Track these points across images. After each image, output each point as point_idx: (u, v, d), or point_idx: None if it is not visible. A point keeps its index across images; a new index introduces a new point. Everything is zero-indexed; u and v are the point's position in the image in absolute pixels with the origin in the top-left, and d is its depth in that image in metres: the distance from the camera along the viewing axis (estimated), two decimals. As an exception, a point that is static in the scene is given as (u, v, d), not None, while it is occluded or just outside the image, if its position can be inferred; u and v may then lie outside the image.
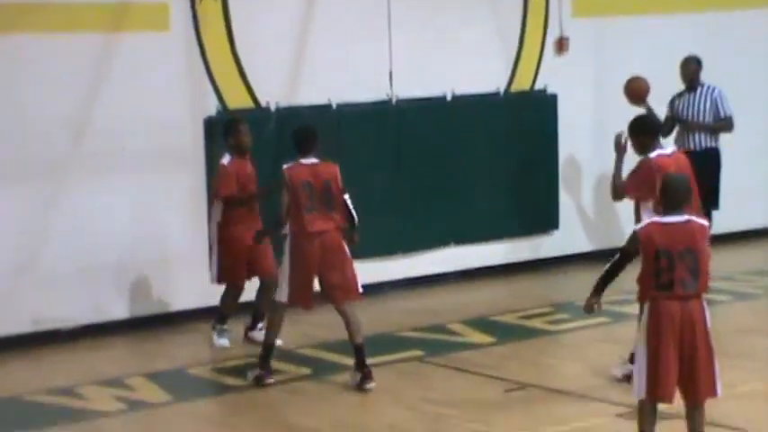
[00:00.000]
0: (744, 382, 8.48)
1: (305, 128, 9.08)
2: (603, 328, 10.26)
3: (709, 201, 11.46)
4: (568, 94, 12.67)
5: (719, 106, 11.82)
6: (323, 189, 8.81)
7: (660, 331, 6.61)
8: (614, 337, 10.05)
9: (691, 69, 11.88)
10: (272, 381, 8.96)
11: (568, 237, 12.85)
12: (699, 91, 11.87)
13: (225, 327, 10.10)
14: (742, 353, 9.23)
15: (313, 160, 8.92)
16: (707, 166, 11.57)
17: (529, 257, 12.68)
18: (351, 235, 9.05)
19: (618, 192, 8.44)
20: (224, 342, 10.05)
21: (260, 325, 9.99)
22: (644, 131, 8.28)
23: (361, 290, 9.07)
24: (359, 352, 8.87)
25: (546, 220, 12.80)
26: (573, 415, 8.09)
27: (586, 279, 10.80)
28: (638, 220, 7.99)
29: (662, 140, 8.55)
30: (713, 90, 11.87)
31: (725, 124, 11.87)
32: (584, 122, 12.79)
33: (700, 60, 11.94)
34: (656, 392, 6.69)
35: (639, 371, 6.73)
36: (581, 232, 12.83)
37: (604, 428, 7.83)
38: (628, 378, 8.36)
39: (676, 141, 11.89)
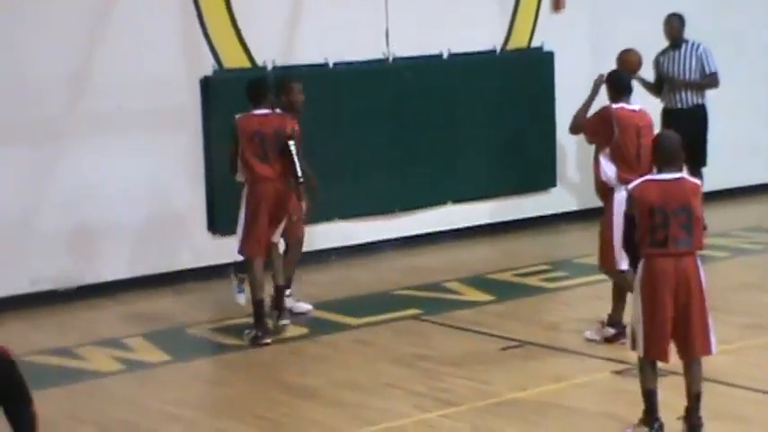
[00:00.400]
0: (740, 338, 8.52)
1: (256, 80, 9.52)
2: (600, 286, 10.23)
3: (698, 158, 11.58)
4: (565, 51, 12.63)
5: (705, 63, 11.80)
6: (274, 138, 9.06)
7: (655, 288, 6.64)
8: (611, 294, 10.07)
9: (674, 27, 11.82)
10: (268, 341, 8.99)
11: (566, 194, 12.85)
12: (683, 48, 11.83)
13: (244, 276, 9.45)
14: (740, 309, 9.27)
15: (264, 111, 9.18)
16: (695, 123, 11.61)
17: (526, 215, 12.68)
18: (296, 189, 9.21)
19: (576, 126, 8.95)
20: (241, 299, 9.55)
21: (288, 291, 9.71)
22: (614, 86, 8.70)
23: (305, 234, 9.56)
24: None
25: (543, 177, 12.79)
26: (570, 372, 8.13)
27: (583, 236, 10.94)
28: (596, 164, 8.57)
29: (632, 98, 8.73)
30: (698, 47, 11.83)
31: (711, 80, 11.84)
32: (581, 79, 12.60)
33: (683, 17, 11.89)
34: (650, 351, 6.72)
35: (635, 329, 6.76)
36: (578, 190, 12.82)
37: (602, 385, 7.88)
38: (608, 340, 8.42)
39: (663, 99, 11.88)
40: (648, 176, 6.87)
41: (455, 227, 12.29)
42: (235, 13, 11.05)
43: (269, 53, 11.20)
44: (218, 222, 10.88)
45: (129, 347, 9.13)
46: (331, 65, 11.52)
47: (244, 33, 11.10)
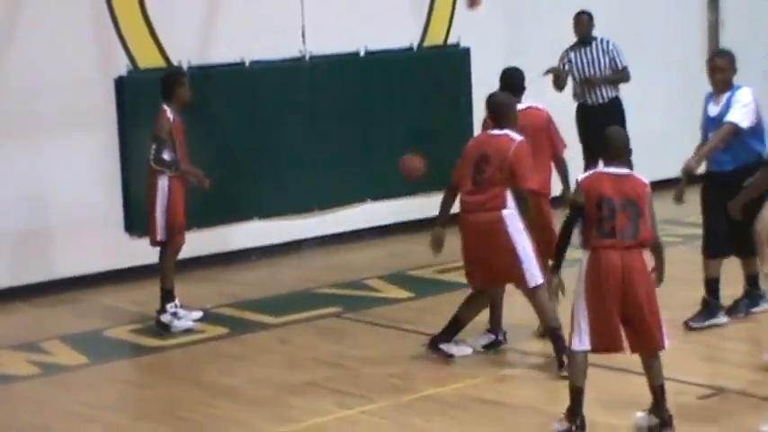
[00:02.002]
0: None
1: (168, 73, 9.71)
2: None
3: None
4: (481, 47, 12.69)
5: (616, 58, 11.94)
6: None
7: (600, 280, 6.65)
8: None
9: (583, 24, 11.93)
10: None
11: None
12: (593, 44, 11.95)
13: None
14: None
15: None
16: (611, 117, 11.68)
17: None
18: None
19: None
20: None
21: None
22: (505, 84, 8.69)
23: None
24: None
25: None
26: (489, 366, 8.17)
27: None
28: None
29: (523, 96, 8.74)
30: (607, 43, 11.95)
31: (623, 75, 11.98)
32: (497, 76, 12.81)
33: (591, 14, 12.01)
34: (601, 343, 6.72)
35: (578, 323, 6.72)
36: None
37: (519, 379, 7.93)
38: (488, 347, 8.41)
39: (575, 96, 11.99)
40: (600, 169, 6.91)
41: (375, 224, 12.30)
42: (149, 12, 10.95)
43: (184, 52, 11.11)
44: (136, 223, 10.77)
45: (46, 351, 9.00)
46: (247, 64, 11.47)
47: (158, 33, 11.00)
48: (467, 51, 12.70)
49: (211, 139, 10.94)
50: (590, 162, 11.52)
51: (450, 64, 12.69)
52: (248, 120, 11.47)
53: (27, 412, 7.77)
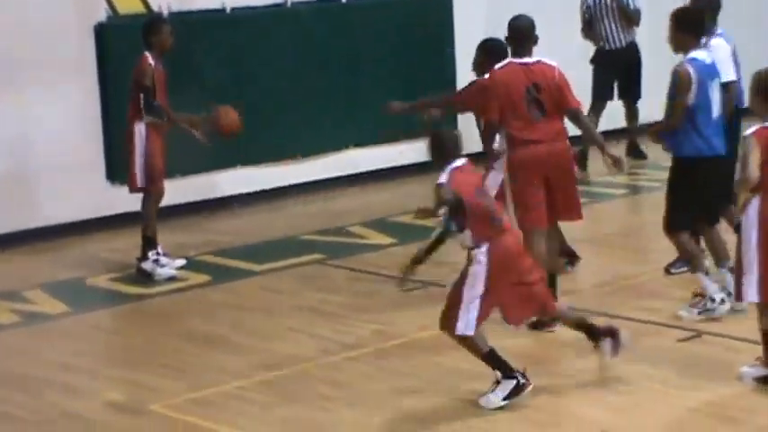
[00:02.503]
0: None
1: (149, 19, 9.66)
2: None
3: (633, 92, 12.35)
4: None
5: (630, 1, 12.10)
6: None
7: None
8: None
9: None
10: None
11: (467, 137, 12.81)
12: None
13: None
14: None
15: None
16: (629, 60, 12.24)
17: (427, 158, 12.65)
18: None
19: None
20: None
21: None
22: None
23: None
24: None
25: (444, 121, 12.75)
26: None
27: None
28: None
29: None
30: None
31: (636, 17, 12.11)
32: (479, 22, 12.74)
33: None
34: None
35: (748, 273, 6.60)
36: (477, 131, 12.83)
37: (498, 321, 7.92)
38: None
39: (596, 40, 12.23)
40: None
41: (357, 171, 12.26)
42: (128, -43, 10.84)
43: (165, -1, 11.01)
44: (117, 171, 10.71)
45: (28, 299, 8.98)
46: (228, 10, 11.37)
47: (138, -22, 10.90)
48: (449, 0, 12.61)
49: (192, 86, 10.85)
50: (595, 109, 11.80)
51: (432, 12, 12.60)
52: (229, 67, 11.39)
53: (8, 361, 7.76)
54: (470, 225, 6.60)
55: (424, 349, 7.49)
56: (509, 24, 7.92)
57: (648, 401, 6.59)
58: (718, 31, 8.41)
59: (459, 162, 6.71)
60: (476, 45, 9.05)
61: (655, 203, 8.80)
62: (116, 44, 10.65)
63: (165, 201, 9.53)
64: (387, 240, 10.18)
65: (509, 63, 7.79)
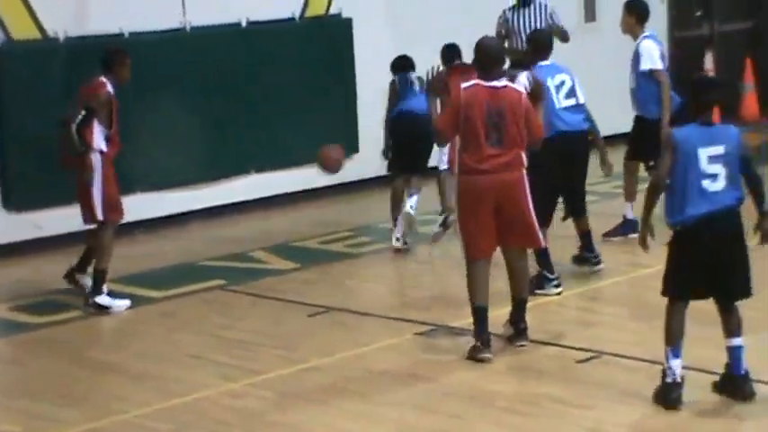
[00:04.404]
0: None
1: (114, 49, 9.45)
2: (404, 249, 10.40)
3: None
4: (362, 18, 12.67)
5: (553, 20, 12.08)
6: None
7: None
8: (416, 258, 10.21)
9: None
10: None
11: (368, 160, 12.91)
12: (532, 6, 12.05)
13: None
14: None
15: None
16: None
17: (329, 182, 12.69)
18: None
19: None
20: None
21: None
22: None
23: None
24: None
25: (346, 144, 12.76)
26: (374, 336, 8.18)
27: (386, 201, 11.00)
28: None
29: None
30: (545, 5, 12.08)
31: (564, 36, 12.13)
32: (380, 46, 12.81)
33: None
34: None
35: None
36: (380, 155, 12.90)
37: (405, 346, 7.96)
38: None
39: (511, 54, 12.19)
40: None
41: (259, 196, 12.23)
42: (22, -18, 10.71)
43: (60, 23, 10.88)
44: (14, 198, 10.55)
45: None
46: (126, 35, 11.28)
47: (32, 3, 10.75)
48: (349, 21, 12.67)
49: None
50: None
51: (332, 34, 12.65)
52: (129, 92, 11.26)
53: None
54: None
55: (328, 374, 7.48)
56: (477, 45, 7.80)
57: (549, 421, 6.66)
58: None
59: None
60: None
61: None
62: (11, 70, 10.50)
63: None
64: (289, 265, 10.15)
65: (475, 84, 7.63)
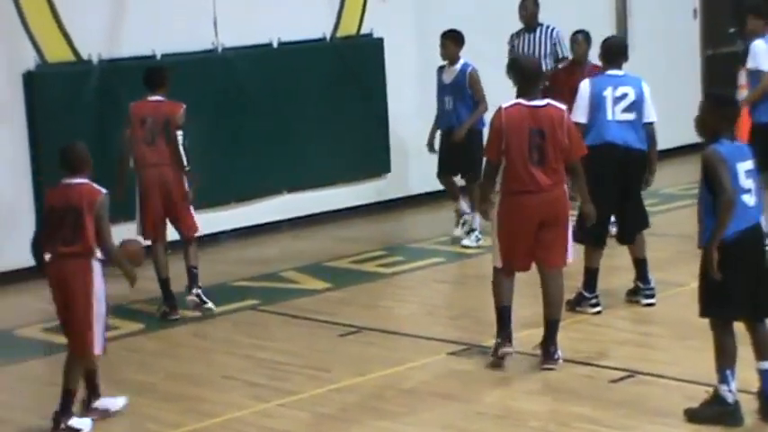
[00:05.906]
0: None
1: (154, 66, 9.77)
2: (437, 269, 10.39)
3: None
4: (393, 37, 12.71)
5: (558, 46, 12.06)
6: (162, 125, 9.17)
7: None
8: (448, 277, 10.20)
9: (529, 10, 12.04)
10: (177, 317, 9.22)
11: (400, 180, 12.94)
12: (538, 31, 12.05)
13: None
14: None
15: (158, 98, 9.27)
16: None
17: (362, 202, 12.72)
18: (181, 173, 9.35)
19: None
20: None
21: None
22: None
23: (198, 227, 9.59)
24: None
25: (377, 164, 12.85)
26: (407, 355, 8.17)
27: (417, 221, 11.05)
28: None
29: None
30: (552, 30, 12.05)
31: (560, 62, 12.11)
32: (411, 65, 12.86)
33: (537, 1, 12.10)
34: None
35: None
36: (412, 175, 12.92)
37: (438, 366, 7.94)
38: None
39: None
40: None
41: (291, 216, 12.26)
42: (56, 5, 10.78)
43: (94, 46, 10.98)
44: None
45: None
46: (159, 56, 11.35)
47: (67, 26, 10.84)
48: (380, 41, 12.70)
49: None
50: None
51: (363, 54, 12.68)
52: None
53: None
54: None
55: (360, 394, 7.47)
56: (514, 64, 7.85)
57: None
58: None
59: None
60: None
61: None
62: (45, 92, 10.59)
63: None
64: (321, 285, 10.16)
65: (516, 104, 7.56)
